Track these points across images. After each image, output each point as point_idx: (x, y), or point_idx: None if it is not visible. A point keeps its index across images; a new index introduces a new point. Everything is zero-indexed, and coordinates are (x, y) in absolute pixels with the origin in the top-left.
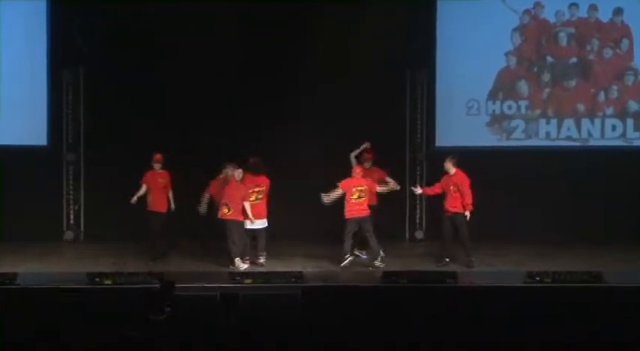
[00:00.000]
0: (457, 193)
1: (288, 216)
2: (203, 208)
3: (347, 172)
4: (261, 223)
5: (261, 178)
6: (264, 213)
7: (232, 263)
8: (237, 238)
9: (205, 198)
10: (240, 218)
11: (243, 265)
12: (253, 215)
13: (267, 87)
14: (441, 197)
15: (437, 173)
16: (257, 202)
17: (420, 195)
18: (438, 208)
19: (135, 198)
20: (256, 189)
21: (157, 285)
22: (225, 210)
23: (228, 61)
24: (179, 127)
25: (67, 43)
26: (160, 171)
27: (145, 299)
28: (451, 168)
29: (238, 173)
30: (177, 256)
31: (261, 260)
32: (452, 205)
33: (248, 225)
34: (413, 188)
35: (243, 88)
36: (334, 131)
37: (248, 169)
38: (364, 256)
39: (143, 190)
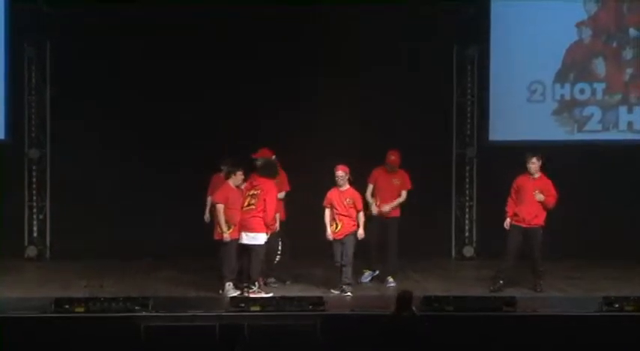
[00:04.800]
0: (541, 202)
1: (304, 228)
2: (207, 216)
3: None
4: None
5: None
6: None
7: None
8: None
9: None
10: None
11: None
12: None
13: (278, 66)
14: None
15: (490, 174)
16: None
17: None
18: (491, 219)
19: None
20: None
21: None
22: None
23: (236, 34)
24: (171, 117)
25: (31, 10)
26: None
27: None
28: (536, 169)
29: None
30: (162, 278)
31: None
32: (531, 213)
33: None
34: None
35: (251, 65)
36: (364, 121)
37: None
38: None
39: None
